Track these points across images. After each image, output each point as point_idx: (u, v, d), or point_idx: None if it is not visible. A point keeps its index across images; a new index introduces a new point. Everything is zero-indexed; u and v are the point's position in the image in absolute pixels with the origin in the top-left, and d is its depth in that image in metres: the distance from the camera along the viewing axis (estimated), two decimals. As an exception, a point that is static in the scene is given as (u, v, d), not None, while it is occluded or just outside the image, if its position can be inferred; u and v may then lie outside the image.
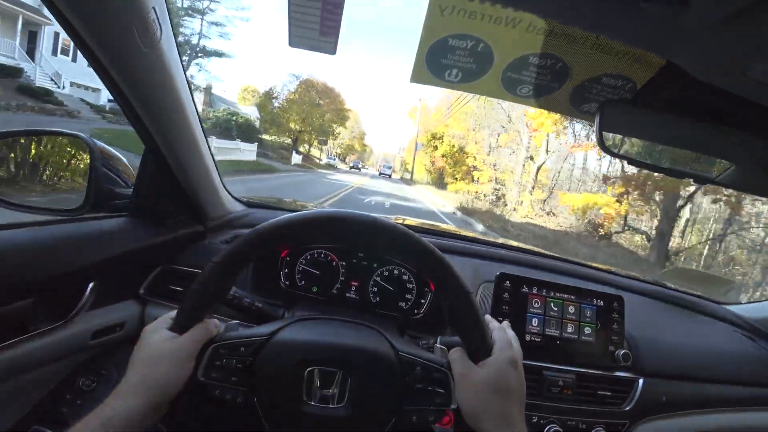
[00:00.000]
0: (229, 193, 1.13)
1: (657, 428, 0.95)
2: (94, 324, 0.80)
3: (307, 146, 42.07)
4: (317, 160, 42.88)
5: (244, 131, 24.05)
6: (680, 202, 11.09)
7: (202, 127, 0.90)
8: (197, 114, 0.87)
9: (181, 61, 0.76)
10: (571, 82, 0.65)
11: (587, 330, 0.92)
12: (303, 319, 0.62)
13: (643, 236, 12.62)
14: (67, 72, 18.89)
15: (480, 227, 11.31)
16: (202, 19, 27.45)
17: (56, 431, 0.73)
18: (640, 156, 0.66)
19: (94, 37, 0.60)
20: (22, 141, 0.93)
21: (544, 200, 16.63)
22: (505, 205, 18.26)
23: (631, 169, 11.19)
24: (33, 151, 0.94)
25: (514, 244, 1.39)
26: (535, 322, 0.90)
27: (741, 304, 1.32)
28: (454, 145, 25.12)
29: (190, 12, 27.03)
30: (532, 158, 17.45)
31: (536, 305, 0.91)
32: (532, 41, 0.59)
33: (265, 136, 32.45)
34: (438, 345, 0.65)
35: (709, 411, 1.01)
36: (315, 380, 0.55)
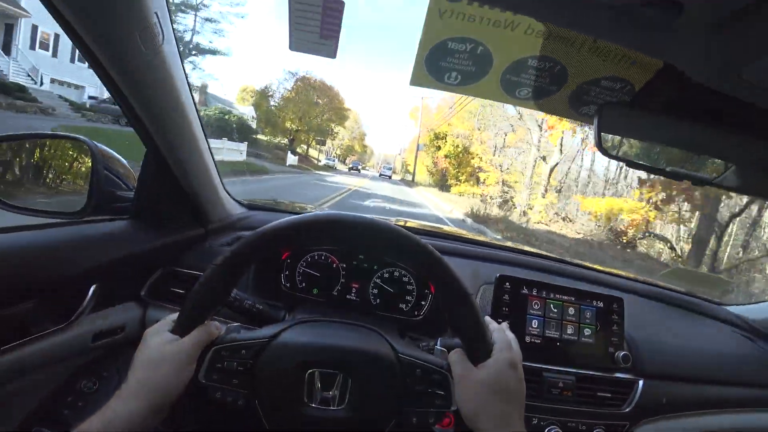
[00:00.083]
0: (230, 195, 1.13)
1: (657, 429, 0.95)
2: (95, 326, 0.80)
3: (305, 147, 40.74)
4: (316, 161, 41.63)
5: (236, 130, 23.32)
6: (728, 209, 9.96)
7: (203, 130, 0.90)
8: (198, 117, 0.87)
9: (182, 65, 0.77)
10: (570, 84, 0.65)
11: (587, 331, 0.92)
12: (303, 321, 0.63)
13: (665, 243, 11.65)
14: (46, 68, 18.00)
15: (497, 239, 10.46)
16: (195, 15, 26.53)
17: None
18: (638, 158, 0.67)
19: (96, 41, 0.60)
20: (24, 145, 0.93)
21: (558, 204, 15.66)
22: (514, 207, 17.32)
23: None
24: (34, 155, 0.94)
25: (514, 245, 1.39)
26: (534, 323, 0.90)
27: (741, 305, 1.32)
28: (458, 145, 23.94)
29: (183, 8, 25.99)
30: (544, 158, 16.27)
31: (536, 307, 0.91)
32: (530, 44, 0.59)
33: (261, 136, 31.52)
34: (438, 347, 0.65)
35: (709, 412, 1.01)
36: (316, 382, 0.55)
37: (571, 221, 14.70)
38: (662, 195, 10.68)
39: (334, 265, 0.96)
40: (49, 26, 17.47)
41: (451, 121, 24.29)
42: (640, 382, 0.93)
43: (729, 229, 10.42)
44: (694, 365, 1.03)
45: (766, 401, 1.05)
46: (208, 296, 0.56)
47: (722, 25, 0.37)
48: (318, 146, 45.60)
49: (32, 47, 17.79)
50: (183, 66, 0.77)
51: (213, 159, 0.99)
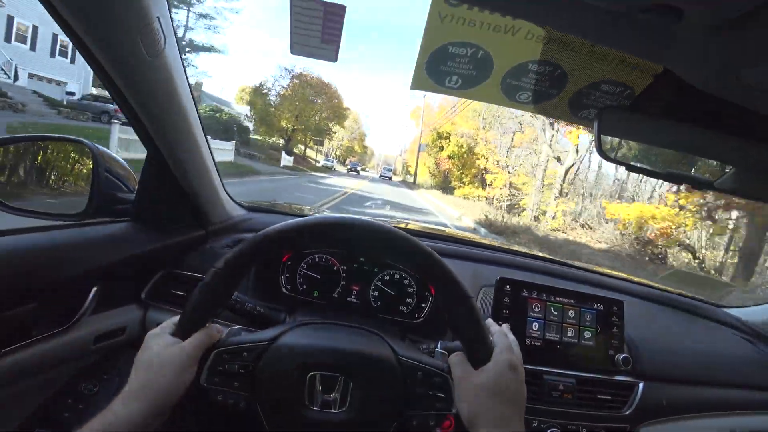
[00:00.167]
0: (230, 197, 1.14)
1: None
2: (96, 329, 0.80)
3: (302, 147, 39.09)
4: (314, 162, 40.40)
5: (226, 129, 22.17)
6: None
7: (204, 133, 0.91)
8: (199, 120, 0.87)
9: (184, 69, 0.77)
10: (570, 88, 0.65)
11: (587, 334, 0.92)
12: (304, 323, 0.63)
13: (689, 253, 10.01)
14: (24, 62, 16.49)
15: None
16: (188, 10, 25.00)
17: None
18: (638, 161, 0.67)
19: (98, 45, 0.61)
20: (24, 147, 0.93)
21: (577, 210, 13.92)
22: (523, 211, 16.03)
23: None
24: (35, 157, 0.95)
25: (514, 247, 1.39)
26: (535, 326, 0.90)
27: (741, 307, 1.32)
28: (462, 146, 22.44)
29: (175, 3, 24.25)
30: (559, 159, 14.80)
31: (536, 309, 0.91)
32: (531, 49, 0.59)
33: (256, 136, 30.77)
34: (438, 349, 0.65)
35: (709, 415, 1.01)
36: (317, 385, 0.56)
37: (590, 228, 13.07)
38: (701, 201, 8.82)
39: (335, 268, 0.96)
40: (27, 18, 16.18)
41: (454, 120, 22.96)
42: (641, 385, 0.93)
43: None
44: (695, 368, 1.03)
45: (766, 404, 1.05)
46: (209, 299, 0.56)
47: (721, 30, 0.37)
48: (316, 147, 44.49)
49: (7, 39, 16.14)
50: (185, 69, 0.77)
51: (214, 161, 0.99)
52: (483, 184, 20.28)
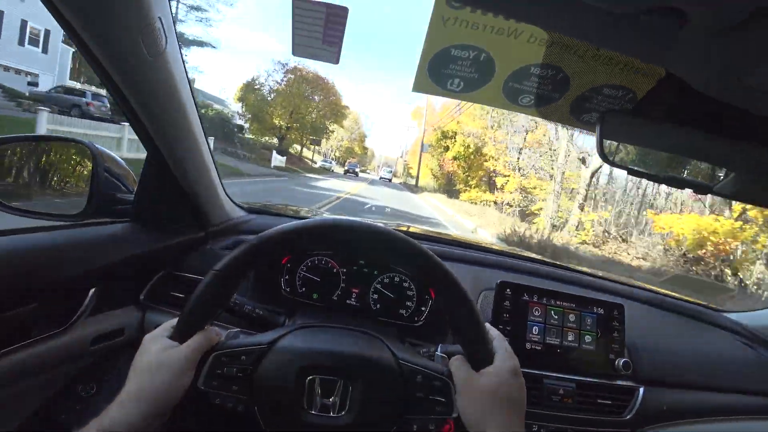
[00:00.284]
0: (230, 199, 1.13)
1: None
2: (94, 330, 0.80)
3: (298, 147, 36.78)
4: (310, 163, 38.01)
5: (212, 126, 20.35)
6: None
7: (204, 133, 0.90)
8: (200, 121, 0.87)
9: (185, 69, 0.77)
10: (572, 92, 0.65)
11: (588, 338, 0.92)
12: (303, 326, 0.62)
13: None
14: None
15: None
16: (177, 1, 22.68)
17: None
18: (640, 165, 0.67)
19: (99, 45, 0.61)
20: (23, 147, 0.93)
21: (616, 220, 11.85)
22: (535, 216, 14.47)
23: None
24: (33, 157, 0.94)
25: (515, 251, 1.39)
26: (535, 330, 0.90)
27: (741, 312, 1.32)
28: (469, 146, 20.35)
29: None
30: (584, 161, 12.80)
31: (537, 313, 0.91)
32: (533, 52, 0.59)
33: (249, 135, 28.93)
34: (439, 353, 0.65)
35: (710, 420, 1.01)
36: (316, 389, 0.55)
37: (624, 241, 11.17)
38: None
39: (335, 270, 0.95)
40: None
41: (460, 119, 20.99)
42: (641, 390, 0.92)
43: None
44: (695, 372, 1.02)
45: (767, 409, 1.04)
46: (208, 302, 0.56)
47: (724, 32, 0.37)
48: (313, 147, 42.01)
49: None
50: (185, 70, 0.77)
51: (214, 162, 0.99)
52: (491, 187, 18.98)
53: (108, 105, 13.98)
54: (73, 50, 18.92)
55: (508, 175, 17.08)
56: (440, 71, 0.63)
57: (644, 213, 11.79)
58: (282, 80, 30.85)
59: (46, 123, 8.71)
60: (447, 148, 22.51)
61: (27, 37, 16.91)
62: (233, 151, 21.13)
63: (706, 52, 0.42)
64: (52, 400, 0.78)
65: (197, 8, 24.98)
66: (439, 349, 0.66)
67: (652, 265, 9.23)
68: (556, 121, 0.74)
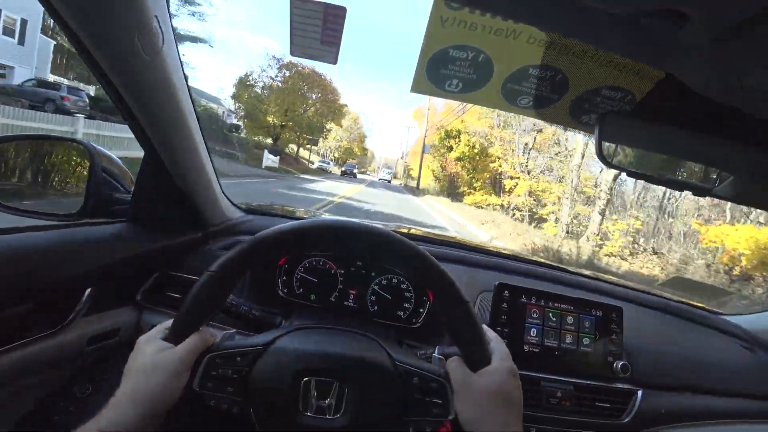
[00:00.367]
0: (228, 199, 1.13)
1: None
2: (90, 330, 0.79)
3: (294, 147, 35.38)
4: (307, 164, 36.29)
5: (201, 124, 19.33)
6: None
7: (202, 133, 0.90)
8: (198, 121, 0.87)
9: (182, 68, 0.76)
10: (571, 93, 0.65)
11: (586, 341, 0.91)
12: (300, 327, 0.62)
13: None
14: None
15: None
16: None
17: None
18: (639, 167, 0.66)
19: (95, 44, 0.60)
20: (21, 146, 0.93)
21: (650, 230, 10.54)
22: (544, 220, 13.55)
23: None
24: (30, 157, 0.94)
25: (513, 252, 1.39)
26: (533, 332, 0.90)
27: (740, 314, 1.32)
28: (474, 146, 18.84)
29: None
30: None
31: (535, 315, 0.91)
32: (532, 53, 0.59)
33: (243, 134, 27.76)
34: (436, 355, 0.64)
35: (708, 423, 1.00)
36: (311, 390, 0.55)
37: (655, 254, 9.96)
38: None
39: (332, 271, 0.95)
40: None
41: (464, 118, 19.63)
42: (639, 392, 0.92)
43: None
44: (693, 375, 1.02)
45: (765, 413, 1.04)
46: (203, 303, 0.56)
47: (726, 35, 0.37)
48: (310, 147, 39.36)
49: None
50: (183, 69, 0.77)
51: (212, 162, 0.99)
52: (496, 189, 17.65)
53: (86, 100, 13.30)
54: (55, 42, 18.01)
55: (518, 177, 15.86)
56: (439, 72, 0.63)
57: (670, 221, 10.92)
58: (276, 76, 29.00)
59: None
60: (450, 149, 20.76)
61: (1, 27, 15.06)
62: (221, 149, 20.16)
63: (706, 54, 0.42)
64: (47, 400, 0.77)
65: (189, 2, 23.79)
66: (436, 350, 0.65)
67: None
68: (555, 123, 0.74)
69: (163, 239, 0.92)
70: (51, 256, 0.72)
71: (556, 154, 15.15)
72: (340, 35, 0.61)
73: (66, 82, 14.61)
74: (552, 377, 0.88)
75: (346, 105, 35.83)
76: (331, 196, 13.08)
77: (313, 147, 42.05)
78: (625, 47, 0.48)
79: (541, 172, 15.60)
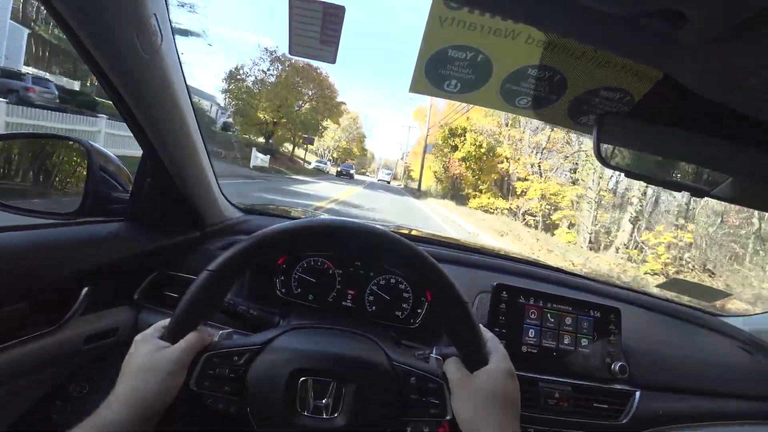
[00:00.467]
0: (227, 199, 1.13)
1: None
2: (87, 329, 0.79)
3: (290, 146, 32.76)
4: (303, 164, 34.28)
5: None
6: None
7: (201, 133, 0.90)
8: (196, 120, 0.87)
9: (181, 67, 0.76)
10: (569, 94, 0.65)
11: (584, 342, 0.91)
12: (297, 327, 0.62)
13: None
14: None
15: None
16: None
17: None
18: (637, 168, 0.66)
19: (94, 42, 0.60)
20: (18, 144, 0.93)
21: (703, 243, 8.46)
22: (556, 226, 12.32)
23: None
24: (29, 155, 0.94)
25: (512, 253, 1.39)
26: (531, 333, 0.90)
27: (738, 316, 1.32)
28: (481, 145, 17.60)
29: None
30: None
31: (533, 316, 0.91)
32: (531, 53, 0.59)
33: (236, 132, 26.07)
34: (433, 355, 0.64)
35: (706, 424, 1.00)
36: (308, 390, 0.55)
37: (710, 274, 8.34)
38: None
39: (330, 272, 0.95)
40: None
41: (469, 115, 18.18)
42: (637, 394, 0.92)
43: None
44: (691, 377, 1.02)
45: (763, 414, 1.04)
46: (201, 302, 0.55)
47: (725, 36, 0.37)
48: (306, 145, 36.60)
49: None
50: (182, 68, 0.77)
51: (210, 162, 0.99)
52: (504, 192, 16.60)
53: (55, 92, 12.08)
54: (29, 31, 16.82)
55: (531, 180, 14.52)
56: (437, 72, 0.63)
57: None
58: (269, 69, 26.85)
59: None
60: (455, 148, 19.40)
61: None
62: (211, 149, 19.58)
63: (708, 56, 0.42)
64: (44, 399, 0.77)
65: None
66: (434, 351, 0.65)
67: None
68: (554, 124, 0.74)
69: (162, 238, 0.92)
70: (48, 255, 0.72)
71: (573, 153, 13.89)
72: (339, 35, 0.61)
73: (33, 72, 13.69)
74: (550, 378, 0.88)
75: (344, 103, 34.29)
76: (323, 199, 11.64)
77: (309, 146, 39.95)
78: (623, 48, 0.48)
79: (556, 171, 14.44)
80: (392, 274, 0.95)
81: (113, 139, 10.12)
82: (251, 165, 19.18)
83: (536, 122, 14.07)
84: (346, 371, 0.56)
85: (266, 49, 27.45)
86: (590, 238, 11.05)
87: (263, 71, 26.70)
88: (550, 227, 13.32)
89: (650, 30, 0.39)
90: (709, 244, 8.70)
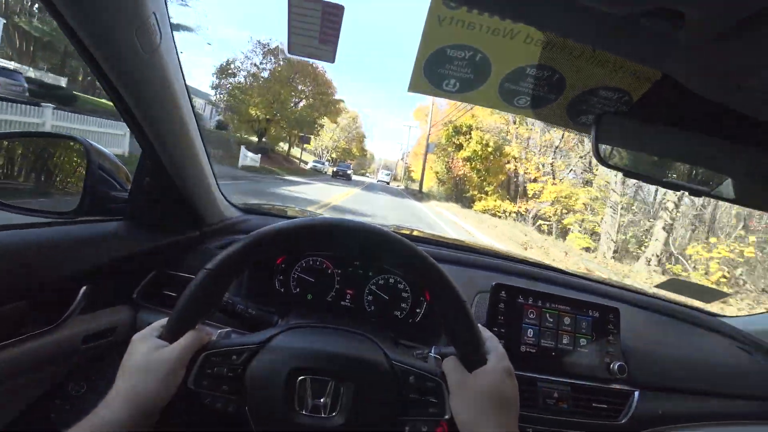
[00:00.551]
0: (225, 198, 1.13)
1: None
2: (85, 328, 0.79)
3: (285, 145, 32.07)
4: (300, 164, 33.08)
5: None
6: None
7: (200, 132, 0.90)
8: (195, 119, 0.87)
9: (180, 66, 0.76)
10: (568, 94, 0.65)
11: (583, 342, 0.91)
12: (296, 326, 0.62)
13: None
14: None
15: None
16: None
17: None
18: (635, 168, 0.66)
19: (93, 41, 0.60)
20: (16, 143, 0.92)
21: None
22: (567, 231, 11.32)
23: None
24: (28, 154, 0.94)
25: (510, 253, 1.39)
26: (530, 333, 0.90)
27: (737, 316, 1.32)
28: (488, 144, 16.43)
29: None
30: None
31: (532, 316, 0.91)
32: (529, 53, 0.59)
33: (227, 131, 24.75)
34: (432, 354, 0.64)
35: (705, 424, 1.00)
36: (307, 389, 0.55)
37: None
38: None
39: (329, 271, 0.95)
40: None
41: (474, 112, 16.79)
42: (636, 394, 0.92)
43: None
44: (690, 377, 1.02)
45: (762, 414, 1.04)
46: (199, 301, 0.55)
47: (724, 36, 0.37)
48: (302, 144, 34.72)
49: None
50: (181, 67, 0.77)
51: (209, 161, 0.99)
52: (510, 194, 15.54)
53: (24, 84, 11.36)
54: (4, 21, 16.43)
55: (545, 181, 13.36)
56: (436, 71, 0.63)
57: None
58: (261, 62, 25.25)
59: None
60: (460, 147, 18.10)
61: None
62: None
63: (706, 56, 0.42)
64: (42, 398, 0.77)
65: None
66: (432, 350, 0.65)
67: None
68: (552, 123, 0.74)
69: (161, 238, 0.92)
70: (47, 254, 0.72)
71: (588, 153, 12.83)
72: (338, 33, 0.61)
73: (3, 63, 12.93)
74: (549, 378, 0.88)
75: (342, 100, 32.44)
76: (311, 204, 10.30)
77: (306, 146, 37.79)
78: (622, 47, 0.48)
79: (567, 173, 13.35)
80: (391, 273, 0.95)
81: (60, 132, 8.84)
82: (239, 164, 17.74)
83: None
84: (345, 370, 0.56)
85: (258, 42, 25.93)
86: (614, 247, 9.68)
87: (255, 65, 25.25)
88: (563, 232, 12.36)
89: (649, 30, 0.39)
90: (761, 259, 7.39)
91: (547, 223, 12.93)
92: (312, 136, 33.42)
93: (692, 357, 1.08)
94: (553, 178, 13.55)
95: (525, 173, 14.82)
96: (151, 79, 0.70)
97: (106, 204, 0.86)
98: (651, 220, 9.71)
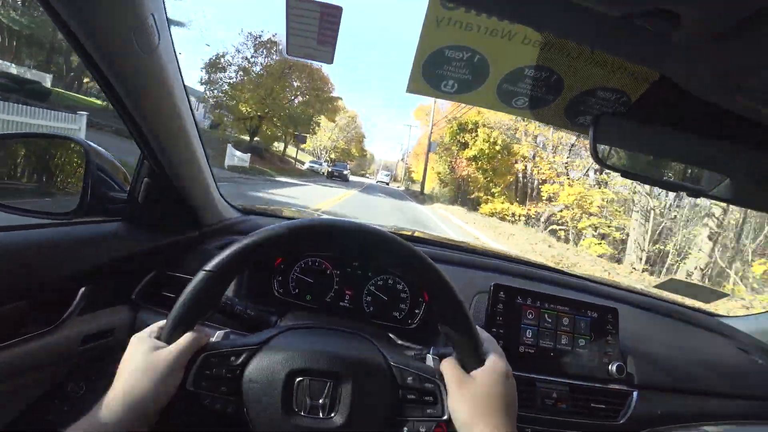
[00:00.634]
0: (224, 199, 1.13)
1: None
2: (84, 329, 0.79)
3: (281, 145, 29.76)
4: (297, 165, 31.93)
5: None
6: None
7: (198, 132, 0.90)
8: (194, 120, 0.87)
9: (179, 67, 0.76)
10: (566, 95, 0.65)
11: (581, 342, 0.91)
12: (294, 327, 0.62)
13: None
14: None
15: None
16: None
17: None
18: (633, 168, 0.66)
19: (91, 42, 0.60)
20: (15, 144, 0.92)
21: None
22: (581, 237, 10.37)
23: None
24: (26, 154, 0.94)
25: (509, 254, 1.39)
26: (529, 333, 0.90)
27: (736, 316, 1.32)
28: (495, 142, 15.25)
29: None
30: None
31: (530, 317, 0.91)
32: (527, 54, 0.59)
33: (221, 130, 22.91)
34: (430, 355, 0.64)
35: (704, 424, 1.00)
36: (305, 390, 0.55)
37: None
38: None
39: (328, 272, 0.95)
40: None
41: (481, 108, 12.90)
42: (635, 394, 0.92)
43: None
44: (689, 377, 1.02)
45: (761, 414, 1.04)
46: (197, 302, 0.55)
47: (723, 36, 0.37)
48: (297, 143, 33.00)
49: None
50: (179, 68, 0.77)
51: (208, 162, 0.99)
52: (519, 196, 14.61)
53: None
54: None
55: (561, 181, 12.21)
56: (434, 72, 0.63)
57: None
58: (253, 55, 23.36)
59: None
60: (465, 145, 16.76)
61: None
62: None
63: (703, 57, 0.42)
64: (40, 399, 0.77)
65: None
66: (431, 351, 0.65)
67: None
68: (551, 124, 0.74)
69: (160, 238, 0.92)
70: (46, 254, 0.72)
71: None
72: (336, 35, 0.61)
73: None
74: (547, 378, 0.88)
75: (340, 98, 30.30)
76: (300, 210, 8.23)
77: (302, 145, 36.13)
78: (620, 48, 0.48)
79: (583, 173, 12.19)
80: (390, 274, 0.95)
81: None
82: (225, 164, 16.39)
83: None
84: (343, 371, 0.56)
85: (250, 34, 24.59)
86: (644, 257, 8.60)
87: (246, 58, 23.34)
88: (577, 237, 11.48)
89: (647, 30, 0.39)
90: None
91: (563, 228, 11.95)
92: (308, 135, 31.80)
93: (691, 357, 1.08)
94: (568, 178, 12.60)
95: (538, 173, 13.74)
96: (149, 80, 0.70)
97: (105, 205, 0.86)
98: (693, 227, 8.61)
